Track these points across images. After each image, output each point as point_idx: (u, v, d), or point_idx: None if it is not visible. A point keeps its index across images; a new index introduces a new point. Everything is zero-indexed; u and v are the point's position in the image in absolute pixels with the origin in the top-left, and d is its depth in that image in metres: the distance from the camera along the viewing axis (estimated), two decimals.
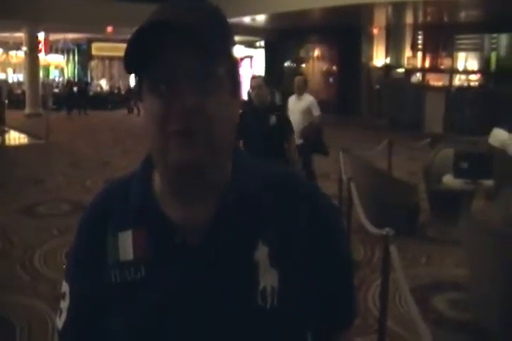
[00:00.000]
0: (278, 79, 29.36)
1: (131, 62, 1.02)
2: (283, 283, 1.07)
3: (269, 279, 1.06)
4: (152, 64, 1.00)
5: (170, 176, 1.07)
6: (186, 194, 1.10)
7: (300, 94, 9.16)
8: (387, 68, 24.67)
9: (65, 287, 1.19)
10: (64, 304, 1.18)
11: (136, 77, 1.07)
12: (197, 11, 1.03)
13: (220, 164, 1.08)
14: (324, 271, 1.13)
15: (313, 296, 1.12)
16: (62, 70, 37.35)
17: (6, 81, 33.44)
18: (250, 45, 30.85)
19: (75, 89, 29.42)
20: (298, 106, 8.95)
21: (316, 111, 9.03)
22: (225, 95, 1.04)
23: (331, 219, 1.17)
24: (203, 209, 1.09)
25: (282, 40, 28.66)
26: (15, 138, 18.05)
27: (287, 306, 1.07)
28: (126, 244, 1.11)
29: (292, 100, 9.23)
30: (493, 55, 21.35)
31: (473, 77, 22.17)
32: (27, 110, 24.82)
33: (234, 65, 1.09)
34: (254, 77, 6.48)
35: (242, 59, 30.96)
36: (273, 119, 6.03)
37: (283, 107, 8.13)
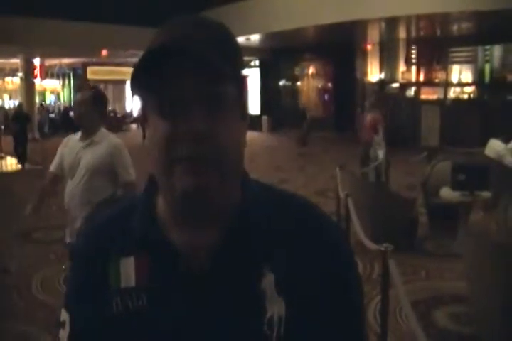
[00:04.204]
0: (274, 97, 29.62)
1: (138, 83, 0.98)
2: (290, 312, 1.03)
3: (276, 308, 1.02)
4: (160, 85, 0.97)
5: (175, 201, 1.03)
6: (192, 219, 1.05)
7: (91, 130, 4.32)
8: (381, 83, 24.77)
9: (64, 315, 1.14)
10: (63, 333, 1.13)
11: (142, 100, 1.04)
12: (206, 32, 1.00)
13: (228, 189, 1.03)
14: (331, 304, 1.06)
15: (319, 326, 1.05)
16: (58, 95, 37.56)
17: (2, 107, 33.60)
18: (245, 64, 31.06)
19: (72, 114, 29.52)
20: (85, 158, 4.27)
21: (126, 174, 4.38)
22: (235, 119, 1.01)
23: (340, 253, 1.11)
24: (208, 235, 1.04)
25: (277, 59, 28.86)
26: (11, 163, 18.00)
27: (294, 336, 1.03)
28: (128, 271, 1.07)
29: (73, 142, 4.41)
30: (487, 67, 21.43)
31: (468, 89, 22.26)
32: None
33: (242, 86, 1.06)
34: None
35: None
36: None
37: None
